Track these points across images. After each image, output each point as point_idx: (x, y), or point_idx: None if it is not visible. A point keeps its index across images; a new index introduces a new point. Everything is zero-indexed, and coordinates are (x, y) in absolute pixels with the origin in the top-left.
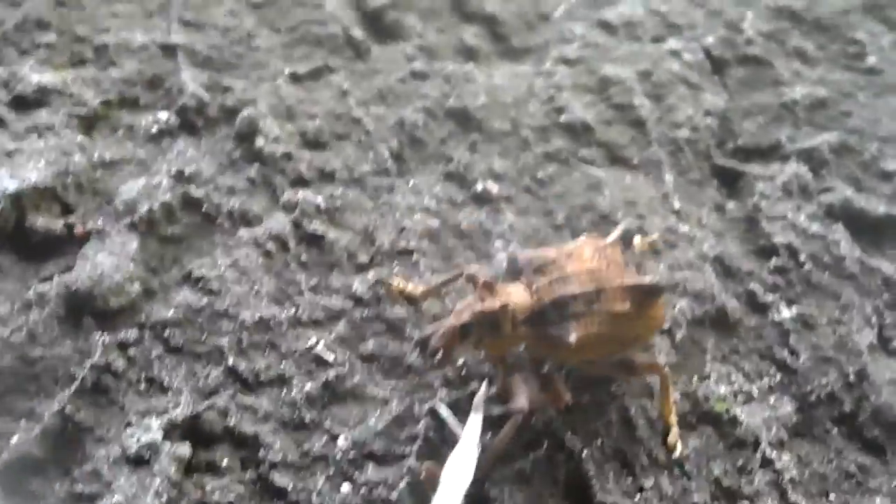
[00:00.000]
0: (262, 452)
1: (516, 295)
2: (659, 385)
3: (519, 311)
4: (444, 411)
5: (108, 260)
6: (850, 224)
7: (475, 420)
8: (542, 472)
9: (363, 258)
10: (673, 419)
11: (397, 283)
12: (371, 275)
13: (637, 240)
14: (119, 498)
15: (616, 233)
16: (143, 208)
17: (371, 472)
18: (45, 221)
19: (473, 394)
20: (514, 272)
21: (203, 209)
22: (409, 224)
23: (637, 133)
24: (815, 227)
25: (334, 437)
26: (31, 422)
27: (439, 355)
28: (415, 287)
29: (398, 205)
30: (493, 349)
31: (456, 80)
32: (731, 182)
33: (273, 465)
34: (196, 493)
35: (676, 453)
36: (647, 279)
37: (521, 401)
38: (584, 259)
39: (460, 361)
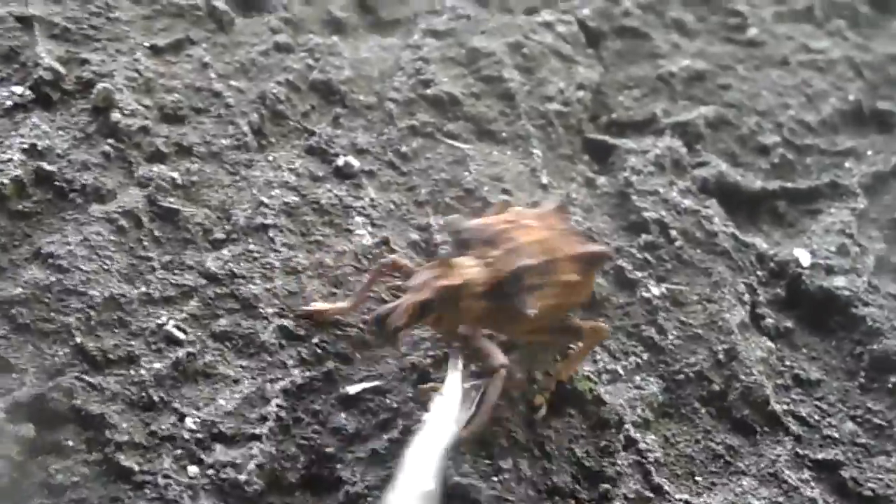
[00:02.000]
0: (108, 433)
1: (472, 269)
2: (583, 346)
3: (477, 284)
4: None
5: None
6: (724, 199)
7: (454, 380)
8: (396, 452)
9: (219, 234)
10: (562, 378)
11: (323, 307)
12: (227, 251)
13: None
14: None
15: (553, 201)
16: None
17: (219, 453)
18: None
19: (326, 372)
20: (461, 245)
21: (56, 184)
22: (266, 199)
23: (506, 107)
24: (688, 203)
25: (182, 418)
26: None
27: (400, 334)
28: (340, 304)
29: (257, 180)
30: (449, 325)
31: (321, 53)
32: (602, 157)
33: (119, 447)
34: (40, 474)
35: (539, 414)
36: (594, 247)
37: (499, 357)
38: (531, 229)
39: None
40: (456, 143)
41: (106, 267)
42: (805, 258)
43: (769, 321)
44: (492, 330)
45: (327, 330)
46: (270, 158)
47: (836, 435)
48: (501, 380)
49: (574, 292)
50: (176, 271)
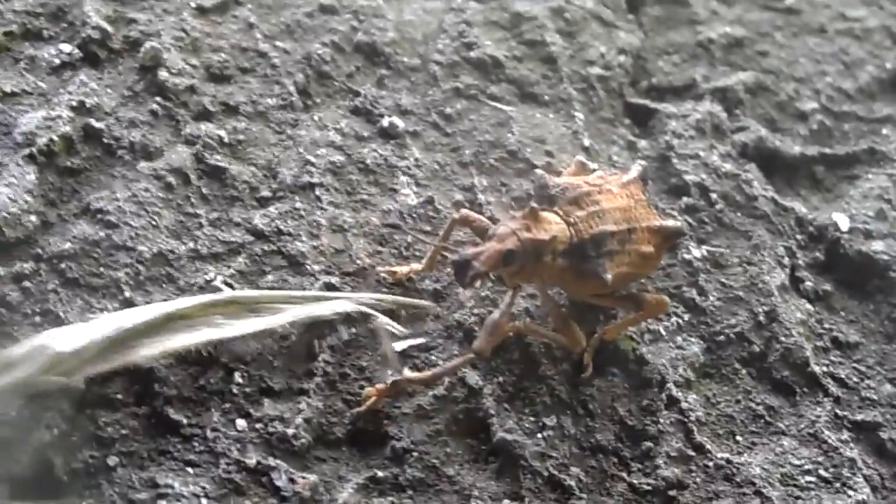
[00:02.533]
0: (157, 387)
1: (557, 226)
2: (641, 315)
3: (561, 242)
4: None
5: (6, 191)
6: (763, 164)
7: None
8: (441, 408)
9: (265, 192)
10: (608, 338)
11: (396, 270)
12: (273, 209)
13: None
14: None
15: (635, 170)
16: (43, 140)
17: (267, 407)
18: None
19: (372, 329)
20: (544, 199)
21: (104, 141)
22: (312, 158)
23: (548, 70)
24: (728, 167)
25: (231, 372)
26: None
27: (479, 280)
28: (415, 266)
29: (302, 139)
30: (523, 277)
31: (365, 15)
32: (643, 120)
33: (168, 400)
34: (89, 426)
35: (585, 373)
36: (671, 223)
37: (483, 344)
38: (614, 195)
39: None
40: (499, 105)
41: (154, 223)
42: (844, 222)
43: (808, 284)
44: (561, 288)
45: (373, 287)
46: (316, 118)
47: (875, 397)
48: (467, 361)
49: (646, 263)
50: (223, 228)
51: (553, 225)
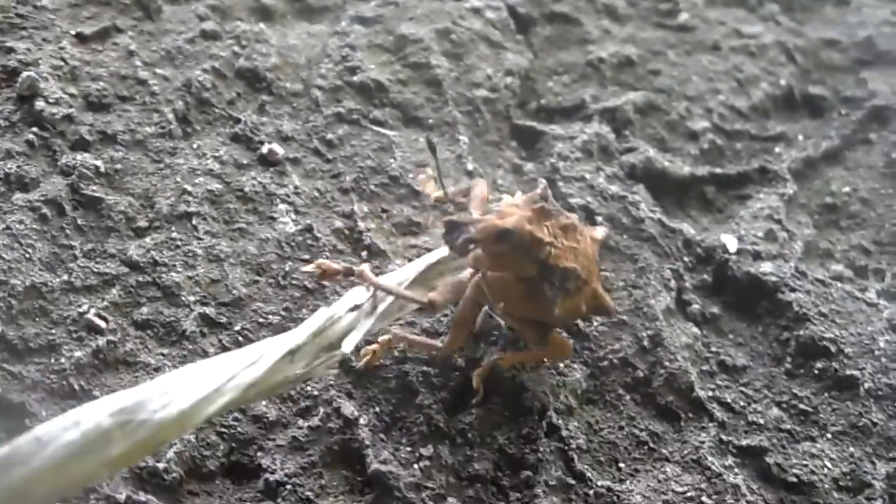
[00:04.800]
0: (28, 422)
1: (549, 237)
2: (542, 352)
3: (546, 256)
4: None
5: None
6: (651, 185)
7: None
8: (316, 440)
9: (142, 222)
10: (504, 365)
11: (426, 181)
12: (149, 239)
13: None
14: None
15: (601, 232)
16: None
17: None
18: None
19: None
20: (541, 213)
21: None
22: (190, 187)
23: (433, 93)
24: (615, 188)
25: None
26: None
27: (466, 247)
28: (438, 192)
29: (181, 168)
30: (492, 266)
31: (247, 41)
32: (530, 143)
33: None
34: None
35: (476, 398)
36: (609, 301)
37: (437, 296)
38: (588, 245)
39: None
40: (382, 130)
41: (28, 255)
42: (732, 244)
43: (695, 307)
44: (503, 298)
45: (248, 318)
46: (195, 146)
47: (761, 421)
48: (412, 306)
49: (573, 317)
50: (98, 259)
51: (549, 235)
